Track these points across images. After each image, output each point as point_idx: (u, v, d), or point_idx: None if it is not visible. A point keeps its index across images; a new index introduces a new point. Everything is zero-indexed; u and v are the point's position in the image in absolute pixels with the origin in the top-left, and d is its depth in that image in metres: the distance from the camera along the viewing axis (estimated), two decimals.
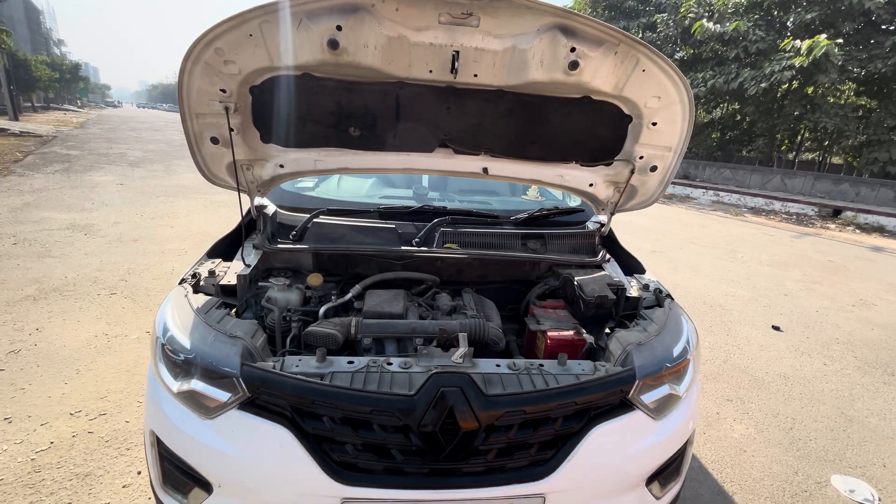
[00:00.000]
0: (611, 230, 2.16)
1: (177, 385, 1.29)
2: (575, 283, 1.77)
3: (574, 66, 1.42)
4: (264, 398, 1.22)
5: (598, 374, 1.34)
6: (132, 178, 9.61)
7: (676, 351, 1.46)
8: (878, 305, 5.20)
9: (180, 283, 1.58)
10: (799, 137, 18.28)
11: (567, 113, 1.67)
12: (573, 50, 1.39)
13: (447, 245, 1.88)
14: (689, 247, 7.44)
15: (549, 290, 1.95)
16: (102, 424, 2.33)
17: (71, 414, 2.40)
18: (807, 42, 13.39)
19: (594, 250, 2.06)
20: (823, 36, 13.21)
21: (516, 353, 1.72)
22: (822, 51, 12.88)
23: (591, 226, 2.17)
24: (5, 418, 2.34)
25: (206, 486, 1.27)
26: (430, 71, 1.48)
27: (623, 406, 1.35)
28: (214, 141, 1.63)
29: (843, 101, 16.56)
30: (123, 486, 1.97)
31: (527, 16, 1.33)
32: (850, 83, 16.31)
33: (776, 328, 4.24)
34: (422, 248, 1.83)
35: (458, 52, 1.42)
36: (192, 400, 1.27)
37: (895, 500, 2.22)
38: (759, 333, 4.10)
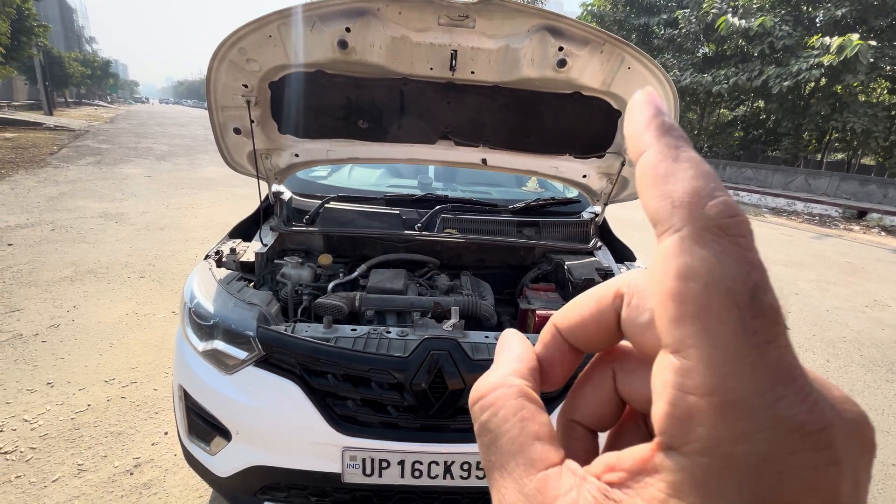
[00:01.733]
0: (605, 220, 2.27)
1: (202, 345, 1.47)
2: (565, 267, 1.89)
3: (562, 63, 1.54)
4: (277, 357, 1.38)
5: None
6: (159, 171, 10.03)
7: None
8: (893, 307, 5.13)
9: (205, 259, 1.76)
10: (827, 137, 17.75)
11: (559, 107, 1.79)
12: (561, 49, 1.51)
13: (447, 230, 2.02)
14: None
15: (542, 274, 2.07)
16: (134, 391, 2.56)
17: (105, 381, 2.64)
18: (837, 40, 12.98)
19: (587, 239, 2.17)
20: (856, 36, 12.77)
21: None
22: (855, 51, 12.46)
23: (586, 216, 2.28)
24: (48, 383, 2.59)
25: (226, 434, 1.44)
26: (431, 68, 1.62)
27: None
28: (237, 131, 1.80)
29: (874, 100, 16.01)
30: (152, 444, 2.18)
31: (518, 18, 1.46)
32: (882, 81, 15.76)
33: None
34: (423, 233, 1.98)
35: (456, 51, 1.55)
36: (215, 358, 1.45)
37: (881, 488, 2.28)
38: None
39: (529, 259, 2.17)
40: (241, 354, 1.41)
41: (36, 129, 16.22)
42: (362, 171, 2.65)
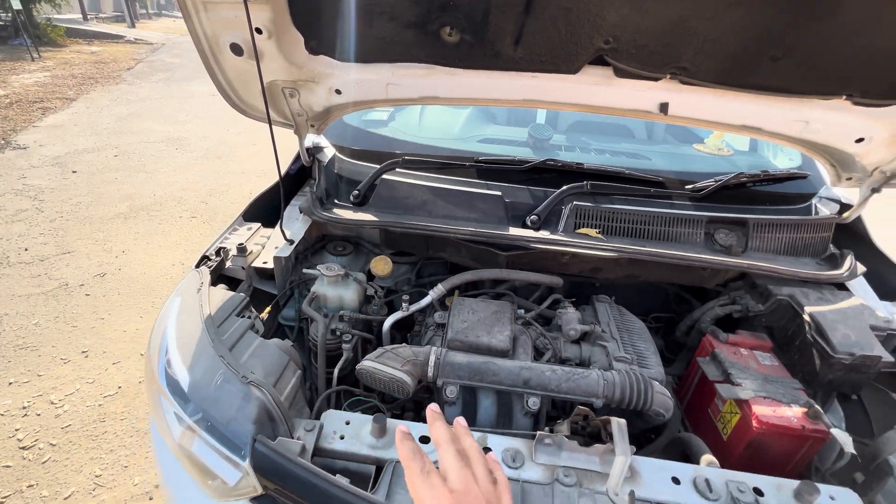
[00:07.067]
0: (860, 218, 1.30)
1: (179, 431, 0.89)
2: (807, 318, 1.03)
3: None
4: (284, 500, 0.76)
5: None
6: None
7: None
8: None
9: (198, 266, 1.14)
10: None
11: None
12: None
13: (581, 231, 1.20)
14: None
15: (739, 313, 1.22)
16: None
17: (141, 354, 2.32)
18: None
19: (826, 250, 1.24)
20: None
21: (678, 424, 1.09)
22: None
23: (820, 206, 1.32)
24: (83, 351, 2.31)
25: None
26: None
27: None
28: (237, 50, 1.05)
29: None
30: None
31: None
32: None
33: None
34: (542, 234, 1.19)
35: None
36: (192, 462, 0.86)
37: None
38: None
39: (715, 280, 1.31)
40: (229, 476, 0.80)
41: (118, 42, 16.43)
42: (442, 113, 1.80)
